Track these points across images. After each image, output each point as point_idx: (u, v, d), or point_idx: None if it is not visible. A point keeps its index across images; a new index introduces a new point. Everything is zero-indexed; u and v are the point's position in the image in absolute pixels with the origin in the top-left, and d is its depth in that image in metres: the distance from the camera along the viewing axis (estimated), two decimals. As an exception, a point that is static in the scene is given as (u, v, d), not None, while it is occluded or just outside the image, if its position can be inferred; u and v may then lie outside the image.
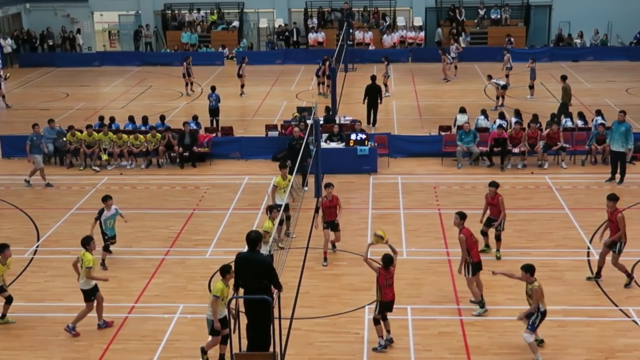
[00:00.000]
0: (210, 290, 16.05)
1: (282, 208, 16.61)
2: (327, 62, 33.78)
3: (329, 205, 17.41)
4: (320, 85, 35.02)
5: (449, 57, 38.36)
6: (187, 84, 35.80)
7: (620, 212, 15.75)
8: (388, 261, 13.61)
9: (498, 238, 17.42)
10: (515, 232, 18.94)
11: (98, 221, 17.33)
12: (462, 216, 15.16)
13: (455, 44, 40.49)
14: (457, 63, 39.18)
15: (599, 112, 25.92)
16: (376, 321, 13.74)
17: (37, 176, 23.15)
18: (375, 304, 13.82)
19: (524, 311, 13.40)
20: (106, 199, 17.51)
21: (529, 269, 13.31)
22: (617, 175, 22.50)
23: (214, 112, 29.20)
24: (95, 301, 14.47)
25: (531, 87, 33.55)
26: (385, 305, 13.70)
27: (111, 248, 17.89)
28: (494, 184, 17.36)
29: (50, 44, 46.85)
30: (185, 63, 35.65)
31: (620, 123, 22.36)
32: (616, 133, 22.31)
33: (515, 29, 45.78)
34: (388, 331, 13.84)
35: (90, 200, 21.89)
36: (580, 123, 26.06)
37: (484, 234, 17.54)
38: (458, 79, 38.15)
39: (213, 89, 29.69)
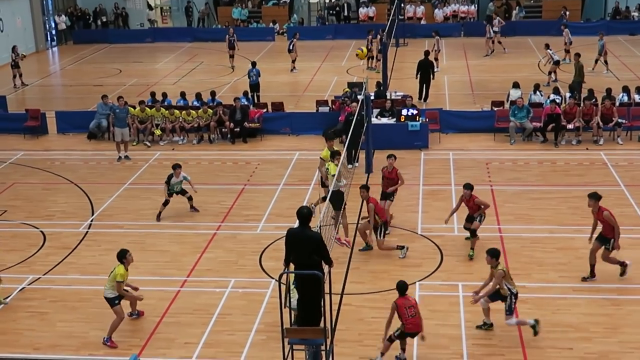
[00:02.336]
0: (261, 265, 16.20)
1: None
2: (371, 35, 33.95)
3: (388, 176, 17.85)
4: (371, 60, 34.83)
5: (490, 31, 37.61)
6: (230, 57, 36.14)
7: (605, 210, 14.78)
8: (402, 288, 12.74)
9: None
10: (570, 209, 18.64)
11: (167, 185, 18.76)
12: (367, 188, 16.42)
13: (498, 17, 39.72)
14: (501, 38, 38.42)
15: (657, 87, 25.33)
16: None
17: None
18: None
19: (483, 292, 13.32)
20: (175, 167, 18.77)
21: (494, 254, 13.19)
22: (676, 152, 21.98)
23: (255, 87, 29.36)
24: (128, 300, 14.02)
25: (597, 61, 32.76)
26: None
27: (163, 222, 18.62)
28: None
29: (104, 20, 47.36)
30: (227, 35, 36.09)
31: (679, 98, 21.81)
32: (675, 108, 21.79)
33: (571, 2, 44.76)
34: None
35: (143, 175, 22.14)
36: (637, 98, 25.49)
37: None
38: (509, 53, 37.52)
39: (254, 64, 29.86)
